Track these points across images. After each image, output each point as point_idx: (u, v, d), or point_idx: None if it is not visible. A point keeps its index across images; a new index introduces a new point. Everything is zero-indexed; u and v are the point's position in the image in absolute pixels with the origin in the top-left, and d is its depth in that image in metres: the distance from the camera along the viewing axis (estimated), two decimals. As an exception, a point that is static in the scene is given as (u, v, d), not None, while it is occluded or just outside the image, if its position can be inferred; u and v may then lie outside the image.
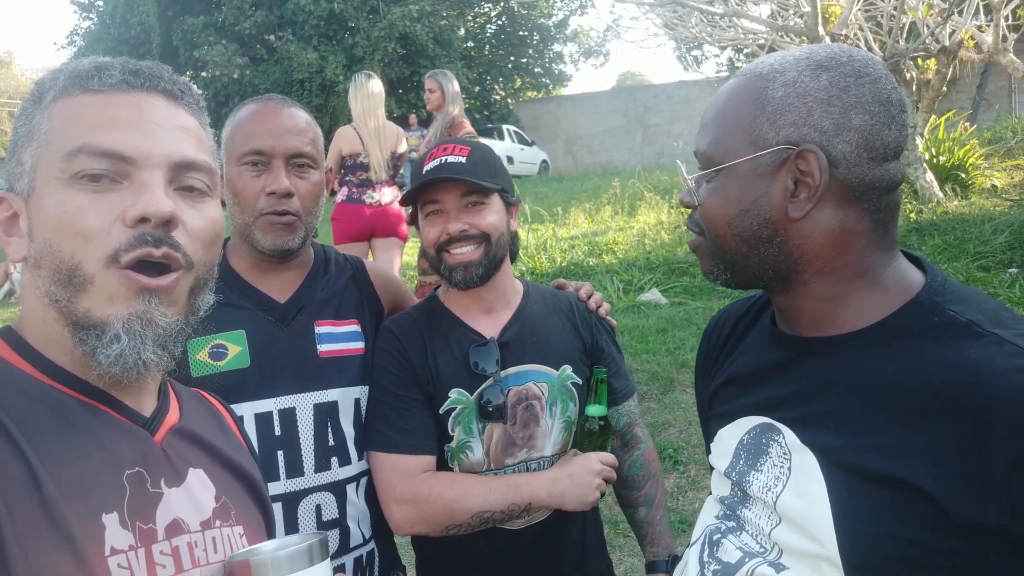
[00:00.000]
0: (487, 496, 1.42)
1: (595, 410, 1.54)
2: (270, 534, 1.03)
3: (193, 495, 0.88)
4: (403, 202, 1.56)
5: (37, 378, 0.81)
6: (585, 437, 1.55)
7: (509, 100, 26.83)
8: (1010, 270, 5.53)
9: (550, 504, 1.47)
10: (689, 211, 1.08)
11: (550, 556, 1.55)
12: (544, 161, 22.85)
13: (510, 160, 19.82)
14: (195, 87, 0.93)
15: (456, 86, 5.02)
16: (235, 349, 1.44)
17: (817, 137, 0.92)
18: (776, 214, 0.95)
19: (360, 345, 1.56)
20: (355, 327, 1.57)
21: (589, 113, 25.13)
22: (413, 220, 1.58)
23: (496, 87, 26.44)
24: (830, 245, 0.95)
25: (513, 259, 1.61)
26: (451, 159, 1.46)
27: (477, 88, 24.38)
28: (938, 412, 0.83)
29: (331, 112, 19.95)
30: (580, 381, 1.58)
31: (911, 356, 0.89)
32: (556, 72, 29.01)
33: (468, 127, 4.91)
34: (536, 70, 28.46)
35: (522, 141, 21.94)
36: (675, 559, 1.54)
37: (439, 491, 1.43)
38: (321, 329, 1.52)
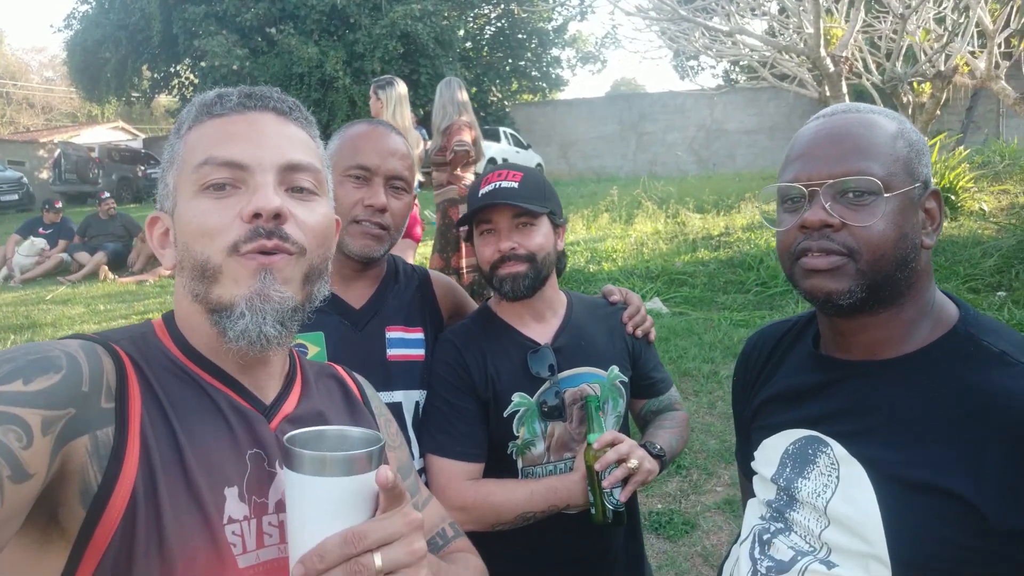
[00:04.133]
0: (529, 499, 1.55)
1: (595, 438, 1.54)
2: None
3: None
4: (460, 223, 1.69)
5: (183, 362, 0.97)
6: (596, 476, 1.50)
7: (505, 102, 26.90)
8: (999, 293, 5.73)
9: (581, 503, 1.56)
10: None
11: (602, 537, 1.66)
12: (539, 165, 22.93)
13: (505, 162, 19.92)
14: (304, 108, 1.07)
15: (459, 95, 5.01)
16: (314, 349, 1.57)
17: (930, 180, 1.13)
18: (918, 240, 1.10)
19: (422, 352, 1.68)
20: (420, 335, 1.70)
21: (584, 118, 25.25)
22: (469, 238, 1.72)
23: (493, 89, 26.49)
24: (926, 273, 1.13)
25: (560, 274, 1.75)
26: (504, 184, 1.61)
27: (474, 89, 24.40)
28: (977, 431, 0.98)
29: (329, 107, 19.96)
30: (627, 379, 1.72)
31: (951, 381, 1.03)
32: (553, 76, 29.13)
33: (463, 135, 4.83)
34: (533, 73, 28.56)
35: (518, 144, 22.03)
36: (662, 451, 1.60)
37: (484, 496, 1.55)
38: (391, 334, 1.64)
